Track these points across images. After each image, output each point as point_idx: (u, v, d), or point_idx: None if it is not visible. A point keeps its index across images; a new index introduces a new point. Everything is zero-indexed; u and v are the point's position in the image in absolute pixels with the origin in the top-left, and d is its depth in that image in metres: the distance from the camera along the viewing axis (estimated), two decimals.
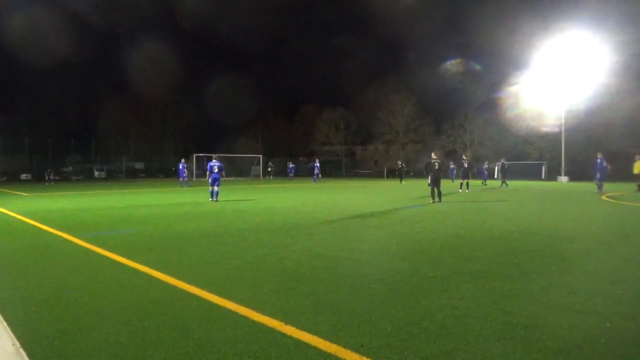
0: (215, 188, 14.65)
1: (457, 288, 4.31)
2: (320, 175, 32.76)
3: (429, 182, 13.92)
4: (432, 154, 14.06)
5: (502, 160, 26.45)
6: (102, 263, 5.56)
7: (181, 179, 26.05)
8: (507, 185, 25.22)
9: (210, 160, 15.00)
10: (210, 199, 14.63)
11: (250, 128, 63.06)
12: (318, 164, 33.15)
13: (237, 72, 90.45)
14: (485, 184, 26.66)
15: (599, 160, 19.87)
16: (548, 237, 7.35)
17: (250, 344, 2.99)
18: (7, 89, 62.98)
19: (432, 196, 13.80)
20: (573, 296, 4.06)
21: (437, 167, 13.57)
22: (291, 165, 39.96)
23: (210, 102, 61.78)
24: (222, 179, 15.06)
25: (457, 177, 21.21)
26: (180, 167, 26.13)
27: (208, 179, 14.77)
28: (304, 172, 58.90)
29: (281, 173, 46.78)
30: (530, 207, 12.90)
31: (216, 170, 14.71)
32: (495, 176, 31.69)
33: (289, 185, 29.53)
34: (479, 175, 27.50)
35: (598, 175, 19.90)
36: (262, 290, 4.27)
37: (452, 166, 31.75)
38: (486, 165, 28.99)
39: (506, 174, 25.79)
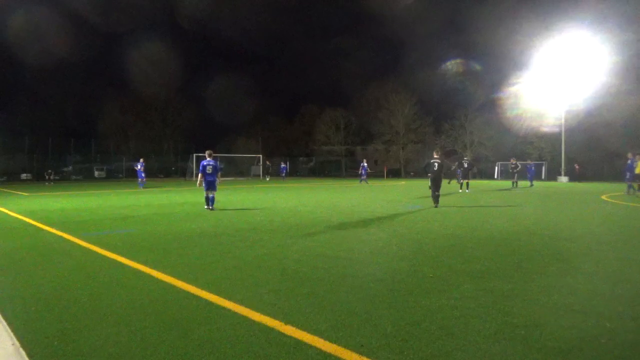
0: (210, 194, 11.87)
1: (457, 288, 4.31)
2: (364, 176, 30.47)
3: (429, 184, 12.73)
4: (434, 153, 12.88)
5: (513, 160, 26.51)
6: (102, 263, 5.56)
7: (140, 180, 24.19)
8: (516, 185, 25.47)
9: (204, 158, 12.16)
10: (205, 207, 11.95)
11: (250, 128, 63.14)
12: (366, 164, 30.83)
13: (237, 72, 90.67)
14: (532, 185, 26.34)
15: (629, 161, 19.69)
16: (548, 237, 7.35)
17: (250, 344, 2.99)
18: (7, 89, 63.06)
19: (434, 200, 12.58)
20: (573, 296, 4.06)
21: (437, 168, 12.48)
22: (282, 166, 39.61)
23: (210, 102, 61.95)
24: (218, 180, 12.17)
25: (463, 177, 20.91)
26: (138, 167, 24.25)
27: (199, 182, 11.91)
28: (304, 172, 58.95)
29: (275, 173, 46.57)
30: (530, 208, 12.90)
31: (210, 170, 11.82)
32: (496, 176, 31.72)
33: (288, 185, 29.52)
34: (526, 175, 26.62)
35: (628, 175, 19.65)
36: (262, 290, 4.27)
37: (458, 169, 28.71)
38: (529, 165, 28.43)
39: (514, 173, 25.92)
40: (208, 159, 11.99)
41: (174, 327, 3.31)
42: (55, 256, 6.02)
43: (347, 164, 59.79)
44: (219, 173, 12.22)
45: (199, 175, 11.96)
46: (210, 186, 11.84)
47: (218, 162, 12.46)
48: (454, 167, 21.69)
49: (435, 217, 10.19)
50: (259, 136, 61.99)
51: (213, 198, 11.94)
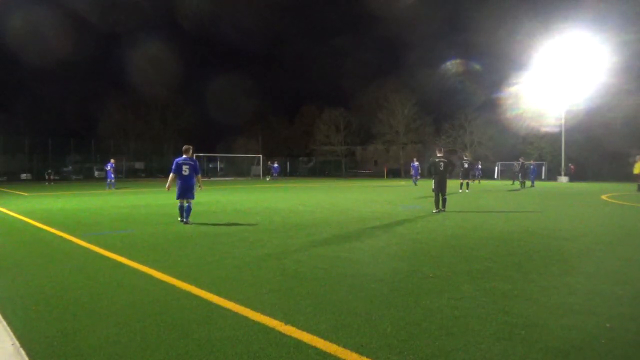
0: (186, 203, 9.09)
1: (457, 288, 4.31)
2: (418, 177, 28.21)
3: (433, 186, 11.35)
4: (437, 152, 11.60)
5: (522, 160, 26.57)
6: (102, 263, 5.56)
7: (109, 180, 23.44)
8: (524, 185, 25.63)
9: (180, 156, 9.34)
10: (179, 219, 9.23)
11: (250, 128, 63.09)
12: (416, 163, 28.26)
13: (237, 72, 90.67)
14: (533, 185, 26.39)
15: None
16: (548, 237, 7.35)
17: (250, 344, 2.99)
18: (7, 89, 63.10)
19: (437, 204, 11.27)
20: (573, 296, 4.06)
21: (442, 168, 11.16)
22: (275, 165, 39.53)
23: (210, 102, 61.95)
24: (198, 185, 9.43)
25: (463, 177, 20.89)
26: (108, 167, 23.55)
27: (169, 184, 9.31)
28: (304, 172, 58.94)
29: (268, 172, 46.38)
30: (530, 208, 12.90)
31: (187, 172, 9.00)
32: (496, 176, 31.74)
33: (288, 185, 29.52)
34: (527, 175, 26.59)
35: None
36: (262, 290, 4.27)
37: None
38: (533, 165, 28.25)
39: (526, 173, 25.96)
40: (185, 156, 9.16)
41: (174, 327, 3.31)
42: (55, 256, 6.02)
43: (347, 164, 59.79)
44: (199, 176, 9.48)
45: (170, 176, 9.18)
46: (186, 193, 9.08)
47: (198, 163, 9.60)
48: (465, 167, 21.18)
49: (435, 217, 10.19)
50: (259, 136, 62.01)
51: (189, 208, 9.14)
